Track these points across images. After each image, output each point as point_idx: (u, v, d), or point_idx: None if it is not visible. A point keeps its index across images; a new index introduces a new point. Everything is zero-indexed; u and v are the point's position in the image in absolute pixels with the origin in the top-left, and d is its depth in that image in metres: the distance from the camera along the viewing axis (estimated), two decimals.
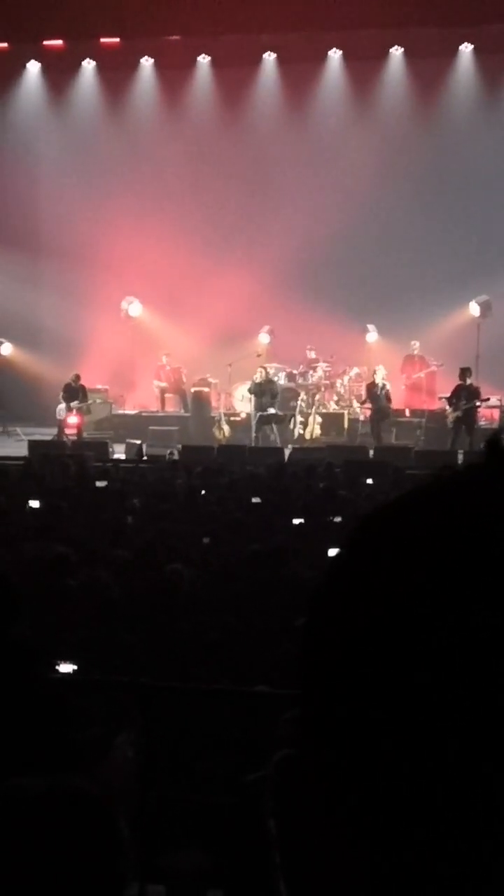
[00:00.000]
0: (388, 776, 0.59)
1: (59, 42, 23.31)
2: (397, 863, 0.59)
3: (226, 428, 20.65)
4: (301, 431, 20.40)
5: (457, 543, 0.61)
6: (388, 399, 19.48)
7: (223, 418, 20.78)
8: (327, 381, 21.24)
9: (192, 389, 21.62)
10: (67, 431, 19.56)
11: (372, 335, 22.08)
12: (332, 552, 8.28)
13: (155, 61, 23.54)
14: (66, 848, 2.54)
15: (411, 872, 0.59)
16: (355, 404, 20.78)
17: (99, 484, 12.50)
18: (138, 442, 18.22)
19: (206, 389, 21.49)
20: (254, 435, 19.68)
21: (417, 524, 0.63)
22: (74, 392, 19.94)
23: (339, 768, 0.62)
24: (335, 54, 22.86)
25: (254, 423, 19.80)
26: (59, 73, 23.79)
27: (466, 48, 22.35)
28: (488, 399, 19.22)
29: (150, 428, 20.59)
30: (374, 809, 0.60)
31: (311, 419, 20.48)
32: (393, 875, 0.60)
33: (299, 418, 20.50)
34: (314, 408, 20.61)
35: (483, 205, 21.91)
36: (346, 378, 21.31)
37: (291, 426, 20.34)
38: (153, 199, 22.80)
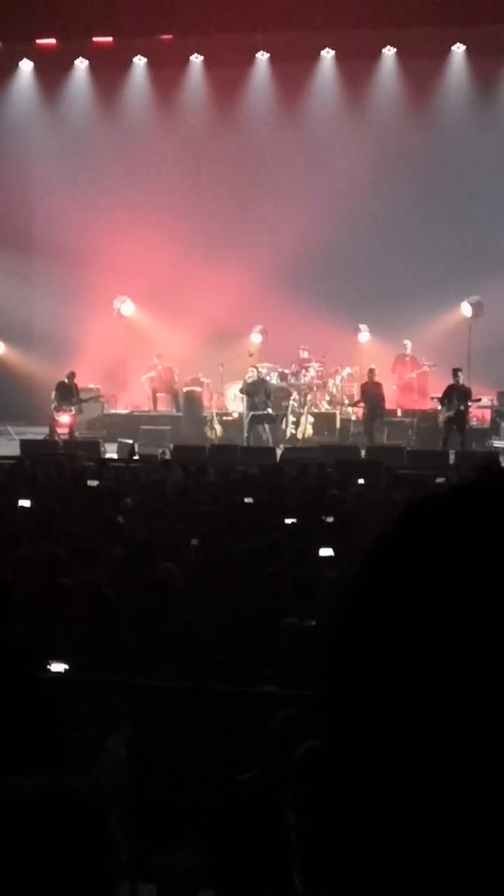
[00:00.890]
0: (416, 776, 0.59)
1: (51, 41, 23.28)
2: (410, 861, 0.59)
3: (218, 427, 20.66)
4: (293, 431, 20.41)
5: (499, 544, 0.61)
6: (381, 399, 19.50)
7: (215, 418, 20.79)
8: (319, 381, 21.25)
9: (184, 389, 21.62)
10: (59, 431, 19.52)
11: (364, 335, 22.09)
12: (323, 552, 8.29)
13: (147, 60, 23.51)
14: (57, 847, 2.53)
15: (422, 870, 0.59)
16: (346, 402, 20.80)
17: (91, 483, 12.49)
18: (130, 441, 18.20)
19: (198, 389, 21.48)
20: (246, 434, 19.68)
21: (467, 522, 0.62)
22: (68, 390, 19.90)
23: (363, 762, 0.61)
24: (328, 54, 22.86)
25: (246, 422, 19.80)
26: (52, 72, 23.75)
27: (459, 49, 22.37)
28: (480, 399, 19.26)
29: (142, 427, 20.58)
30: (393, 806, 0.60)
31: (303, 419, 20.49)
32: (403, 872, 0.60)
33: (291, 418, 20.51)
34: (306, 407, 20.63)
35: (475, 205, 21.93)
36: (338, 378, 21.31)
37: (283, 426, 20.36)
38: (146, 199, 22.78)
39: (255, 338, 21.91)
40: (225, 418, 20.96)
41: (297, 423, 20.50)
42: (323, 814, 0.67)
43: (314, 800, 2.34)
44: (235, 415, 20.85)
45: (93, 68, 23.72)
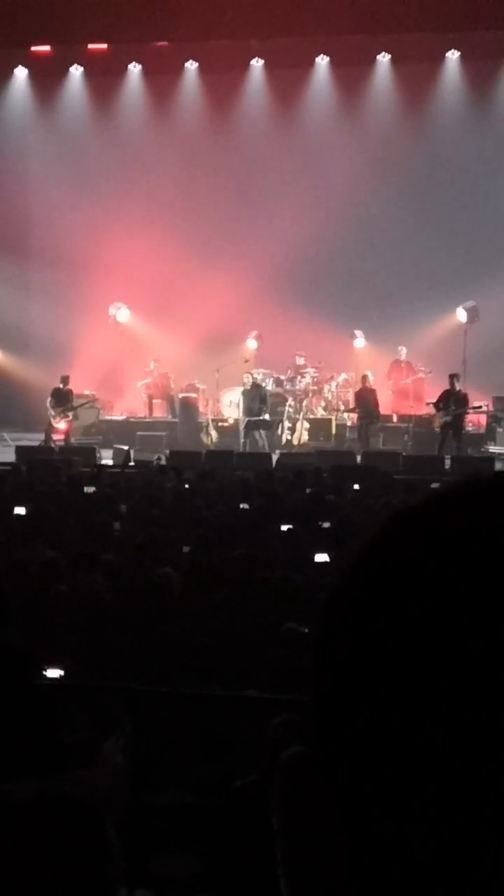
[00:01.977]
0: (400, 778, 0.59)
1: (46, 48, 23.30)
2: (401, 864, 0.59)
3: (213, 433, 20.66)
4: (289, 437, 20.43)
5: (486, 549, 0.61)
6: (376, 404, 19.52)
7: (211, 424, 20.79)
8: (315, 387, 21.27)
9: (180, 395, 21.63)
10: (55, 437, 19.51)
11: (359, 341, 22.12)
12: (319, 557, 8.28)
13: (142, 67, 23.55)
14: (55, 853, 2.53)
15: (414, 873, 0.59)
16: (341, 407, 20.83)
17: (87, 489, 12.48)
18: (126, 447, 18.20)
19: (193, 395, 21.50)
20: (242, 440, 19.67)
21: (447, 530, 0.63)
22: (64, 396, 19.88)
23: (349, 768, 0.61)
24: (322, 61, 22.91)
25: (242, 428, 19.79)
26: (47, 79, 23.78)
27: (453, 55, 22.43)
28: (480, 406, 19.28)
29: (138, 433, 20.56)
30: (379, 809, 0.60)
31: (298, 425, 20.51)
32: (394, 875, 0.60)
33: (287, 424, 20.53)
34: (302, 413, 20.64)
35: (470, 211, 21.97)
36: (333, 384, 21.33)
37: (279, 432, 20.37)
38: (141, 205, 22.79)
39: (251, 344, 21.94)
40: (221, 424, 20.96)
41: (292, 429, 20.52)
42: (308, 819, 0.67)
43: (299, 805, 2.34)
44: (231, 421, 20.86)
45: (88, 75, 23.76)
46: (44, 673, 4.96)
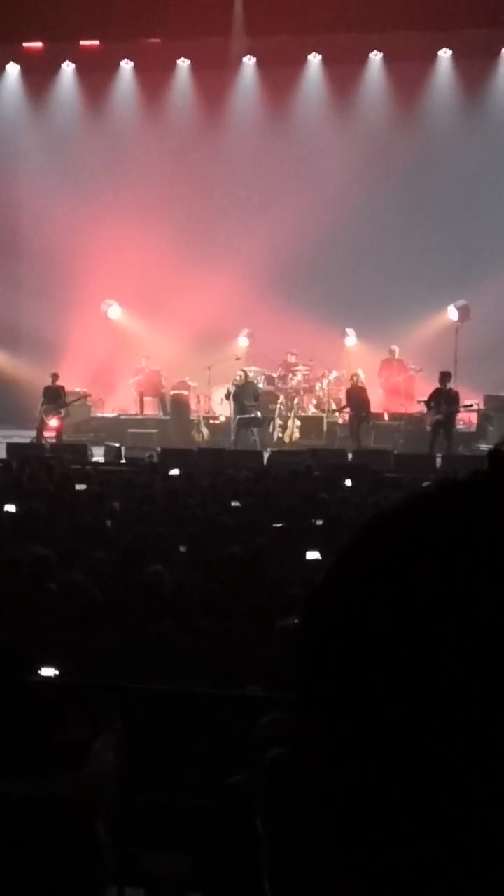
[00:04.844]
0: (386, 777, 0.59)
1: (38, 44, 23.26)
2: (388, 864, 0.59)
3: (205, 431, 20.66)
4: (280, 435, 20.43)
5: (463, 549, 0.61)
6: (367, 402, 19.53)
7: (202, 421, 20.79)
8: (306, 385, 21.28)
9: (172, 392, 21.62)
10: (47, 434, 19.49)
11: (351, 339, 22.12)
12: (311, 555, 8.29)
13: (134, 64, 23.51)
14: (44, 852, 2.52)
15: (403, 873, 0.59)
16: (333, 406, 20.83)
17: (78, 487, 12.47)
18: (117, 445, 18.20)
19: (185, 392, 21.49)
20: (233, 438, 19.68)
21: (423, 530, 0.63)
22: (55, 393, 19.86)
23: (335, 769, 0.61)
24: (315, 58, 22.90)
25: (233, 426, 19.80)
26: (39, 76, 23.75)
27: (445, 53, 22.44)
28: (471, 405, 19.30)
29: (130, 431, 20.55)
30: (368, 809, 0.60)
31: (290, 422, 20.52)
32: (383, 875, 0.60)
33: (278, 422, 20.54)
34: (293, 411, 20.65)
35: (462, 209, 21.98)
36: (325, 382, 21.34)
37: (270, 429, 20.37)
38: (133, 202, 22.77)
39: (243, 341, 21.94)
40: (212, 422, 20.97)
41: (283, 427, 20.53)
42: (292, 821, 0.67)
43: (283, 807, 2.34)
44: (223, 418, 20.86)
45: (80, 71, 23.72)
46: (36, 671, 4.95)
